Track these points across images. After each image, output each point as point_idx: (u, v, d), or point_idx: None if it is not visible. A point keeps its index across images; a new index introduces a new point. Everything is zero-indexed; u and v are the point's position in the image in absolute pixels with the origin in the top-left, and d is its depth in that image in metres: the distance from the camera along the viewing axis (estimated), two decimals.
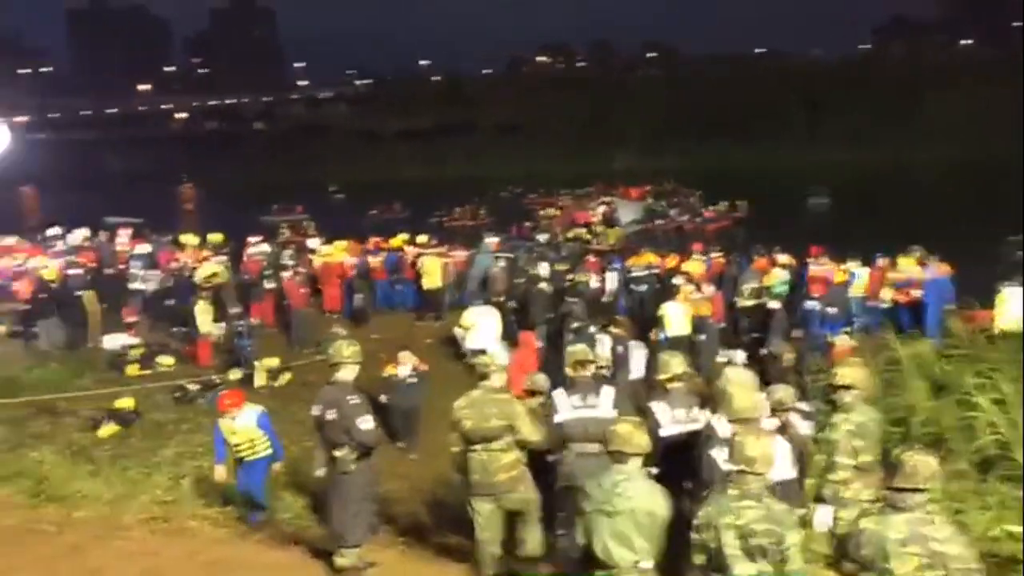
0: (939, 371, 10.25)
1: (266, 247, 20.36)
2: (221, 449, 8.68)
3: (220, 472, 8.73)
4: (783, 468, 5.67)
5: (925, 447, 4.79)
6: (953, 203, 38.92)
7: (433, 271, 18.29)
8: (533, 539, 6.71)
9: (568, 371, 7.21)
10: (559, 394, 6.82)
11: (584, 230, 32.01)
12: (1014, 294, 12.86)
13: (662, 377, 6.94)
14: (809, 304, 14.38)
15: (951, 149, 58.30)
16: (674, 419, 6.67)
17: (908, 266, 15.36)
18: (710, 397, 6.57)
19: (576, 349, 7.24)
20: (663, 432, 6.32)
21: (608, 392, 6.77)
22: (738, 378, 6.47)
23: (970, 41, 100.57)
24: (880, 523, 4.24)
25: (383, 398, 11.54)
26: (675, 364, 7.08)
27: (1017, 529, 6.87)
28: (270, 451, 8.65)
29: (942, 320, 14.08)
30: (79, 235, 20.82)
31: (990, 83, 65.43)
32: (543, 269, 17.65)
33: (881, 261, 16.02)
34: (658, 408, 6.65)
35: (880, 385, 9.28)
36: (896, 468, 4.28)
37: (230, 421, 8.53)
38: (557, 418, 6.63)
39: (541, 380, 7.79)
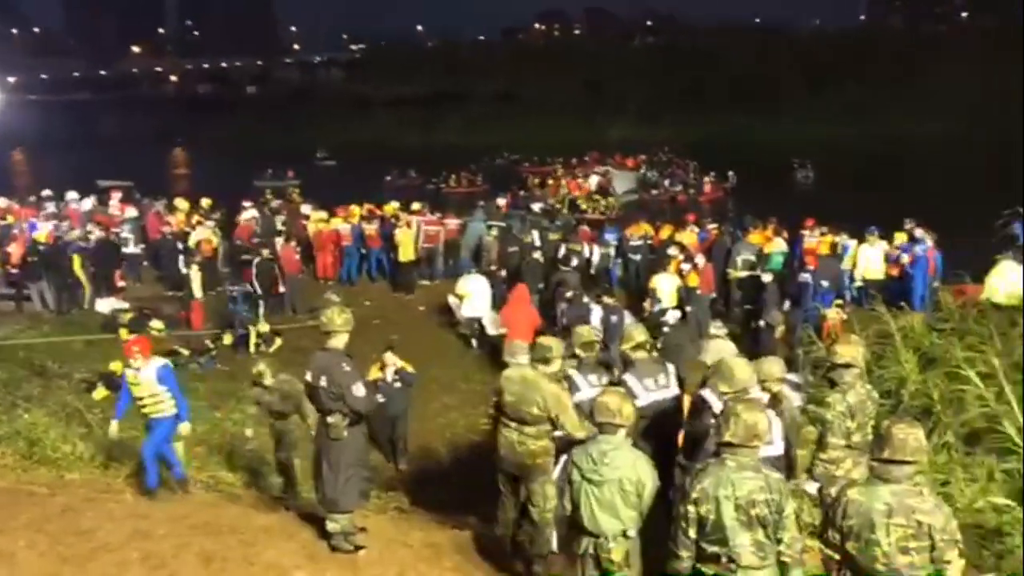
0: (929, 344, 10.30)
1: (255, 212, 20.28)
2: (124, 401, 8.17)
3: (113, 428, 8.31)
4: (774, 445, 5.71)
5: (913, 419, 4.82)
6: (948, 176, 38.86)
7: (407, 243, 18.14)
8: (541, 537, 6.59)
9: (579, 352, 7.26)
10: (631, 378, 6.76)
11: (579, 199, 31.90)
12: (1011, 267, 12.89)
13: (625, 347, 6.98)
14: (803, 276, 14.43)
15: (947, 121, 58.11)
16: (645, 388, 6.72)
17: (900, 240, 15.45)
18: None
19: (583, 330, 7.23)
20: (639, 403, 6.32)
21: (672, 370, 6.78)
22: (729, 350, 6.54)
23: (965, 14, 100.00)
24: (866, 494, 4.27)
25: None
26: (637, 333, 7.15)
27: (1002, 501, 6.94)
28: (175, 410, 8.08)
29: (931, 294, 14.18)
30: (72, 198, 20.75)
31: (988, 54, 65.08)
32: (536, 238, 17.66)
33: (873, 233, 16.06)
34: (629, 380, 6.68)
35: (871, 358, 9.31)
36: (883, 440, 4.30)
37: (134, 371, 7.99)
38: (637, 403, 6.23)
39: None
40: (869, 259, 15.21)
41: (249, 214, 19.99)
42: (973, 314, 10.96)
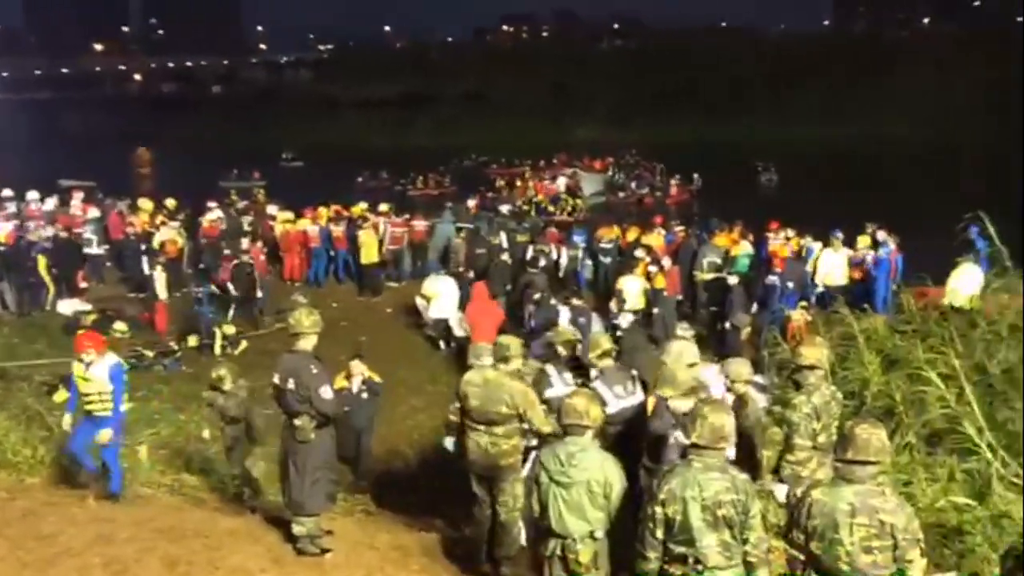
0: (891, 346, 10.43)
1: (220, 213, 20.11)
2: (75, 397, 7.88)
3: (66, 421, 7.95)
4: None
5: (876, 420, 4.88)
6: (911, 179, 39.45)
7: (370, 245, 18.08)
8: (509, 536, 6.60)
9: (561, 349, 7.30)
10: (600, 386, 6.68)
11: (543, 201, 31.97)
12: (970, 270, 13.11)
13: (592, 355, 7.01)
14: (771, 279, 14.55)
15: (910, 125, 58.98)
16: (616, 396, 6.74)
17: (864, 243, 15.64)
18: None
19: (601, 337, 7.21)
20: (609, 410, 6.33)
21: (636, 376, 6.79)
22: (690, 352, 6.61)
23: (927, 20, 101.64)
24: (830, 494, 4.32)
25: None
26: (604, 341, 7.19)
27: (963, 501, 7.05)
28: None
29: (893, 296, 14.38)
30: (32, 198, 20.41)
31: (950, 59, 66.14)
32: (504, 240, 17.67)
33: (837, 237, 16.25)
34: (599, 387, 6.70)
35: (835, 360, 9.42)
36: (847, 440, 4.35)
37: (84, 365, 7.64)
38: (607, 410, 6.27)
39: (531, 365, 7.61)
40: (831, 265, 15.25)
41: (215, 214, 19.80)
42: (934, 316, 11.12)
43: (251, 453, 8.53)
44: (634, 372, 7.01)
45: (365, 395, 9.73)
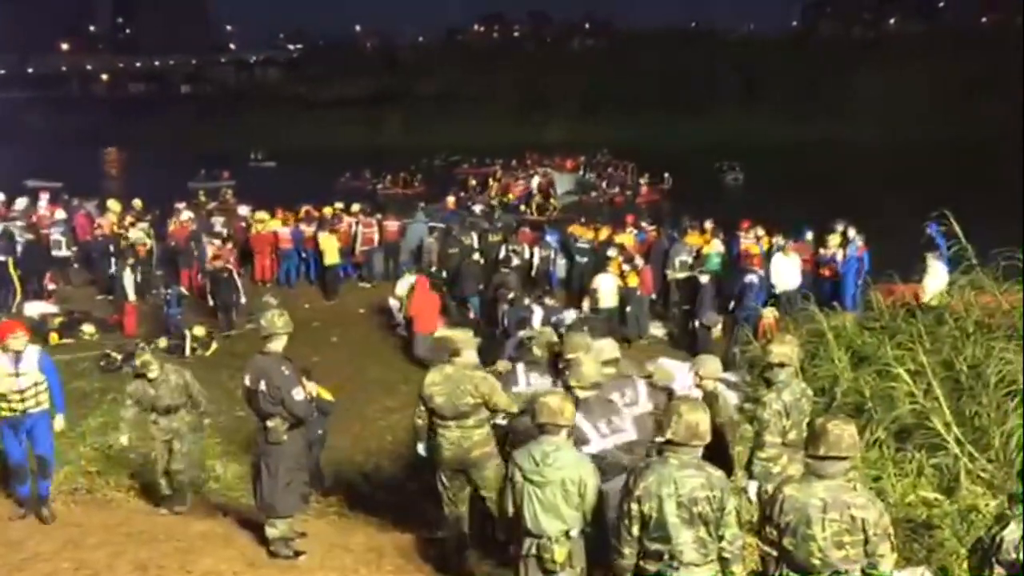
0: (860, 343, 10.52)
1: (191, 213, 19.92)
2: None
3: None
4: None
5: (846, 416, 4.93)
6: (876, 179, 39.95)
7: (331, 248, 18.00)
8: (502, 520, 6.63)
9: (537, 350, 7.26)
10: (581, 420, 6.54)
11: (507, 199, 31.99)
12: (939, 267, 13.29)
13: (570, 356, 7.01)
14: (748, 277, 14.60)
15: (877, 125, 59.70)
16: (599, 434, 6.70)
17: (833, 241, 15.75)
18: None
19: (546, 331, 7.16)
20: (589, 450, 6.28)
21: (643, 387, 6.52)
22: (609, 349, 6.70)
23: (892, 21, 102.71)
24: (801, 490, 4.37)
25: None
26: (607, 350, 7.18)
27: (931, 495, 7.15)
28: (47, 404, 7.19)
29: (861, 293, 14.52)
30: None
31: (915, 60, 67.02)
32: (476, 240, 17.66)
33: (808, 235, 16.40)
34: (580, 423, 6.66)
35: (804, 357, 9.50)
36: (817, 436, 4.40)
37: (10, 355, 6.98)
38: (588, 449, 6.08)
39: (503, 365, 7.64)
40: (782, 269, 15.00)
41: (185, 215, 19.62)
42: (902, 313, 11.23)
43: (183, 440, 8.04)
44: (624, 403, 6.55)
45: (314, 414, 9.57)
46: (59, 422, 7.34)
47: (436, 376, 6.58)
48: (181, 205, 20.48)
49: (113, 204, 20.31)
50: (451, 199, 22.79)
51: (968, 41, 70.23)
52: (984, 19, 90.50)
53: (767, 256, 15.79)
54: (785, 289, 14.74)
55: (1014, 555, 4.38)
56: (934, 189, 21.31)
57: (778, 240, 16.29)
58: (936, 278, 12.89)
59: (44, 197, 20.41)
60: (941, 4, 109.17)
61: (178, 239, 18.50)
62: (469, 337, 6.91)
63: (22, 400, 7.02)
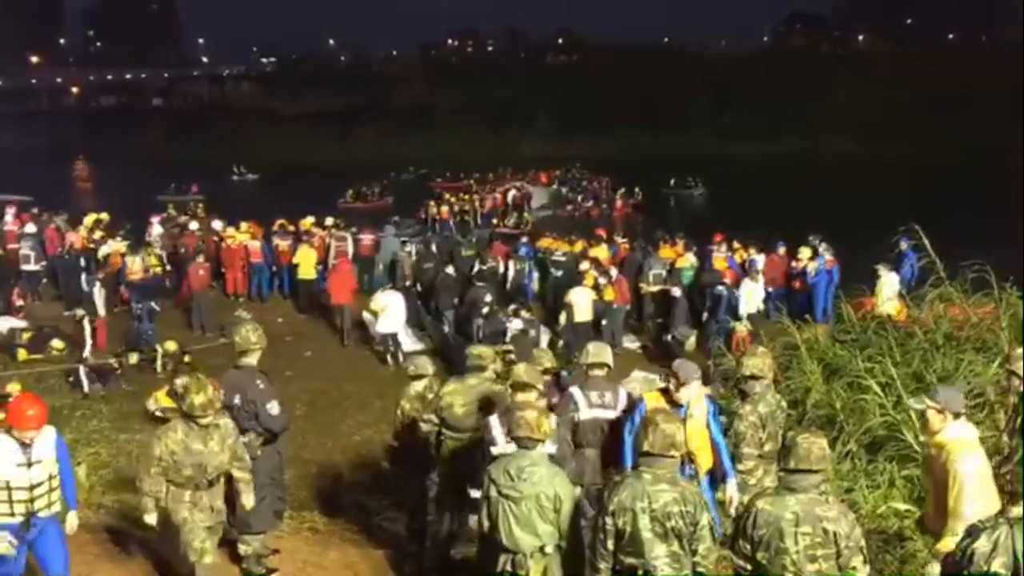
0: (832, 355, 10.62)
1: (160, 228, 19.79)
2: None
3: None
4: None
5: (817, 429, 4.96)
6: (847, 193, 40.42)
7: (307, 262, 17.93)
8: None
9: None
10: (576, 391, 6.45)
11: (469, 213, 32.00)
12: (888, 278, 13.58)
13: (546, 366, 7.04)
14: (719, 290, 14.70)
15: (848, 140, 60.50)
16: (589, 402, 6.74)
17: (805, 254, 15.95)
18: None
19: (599, 349, 6.74)
20: (580, 416, 6.32)
21: (622, 393, 6.49)
22: (547, 359, 6.91)
23: (860, 37, 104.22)
24: (774, 503, 4.37)
25: None
26: (546, 359, 7.23)
27: (903, 507, 7.20)
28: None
29: (832, 306, 14.68)
30: None
31: (884, 76, 67.95)
32: (450, 254, 17.66)
33: (781, 249, 16.56)
34: (575, 392, 6.69)
35: (778, 369, 9.57)
36: (789, 450, 4.42)
37: (18, 449, 5.23)
38: (577, 416, 6.25)
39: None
40: (753, 295, 14.88)
41: (159, 230, 19.48)
42: (873, 326, 11.35)
43: None
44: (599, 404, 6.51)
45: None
46: (72, 522, 5.69)
47: (457, 386, 6.60)
48: (155, 219, 20.35)
49: (87, 219, 20.10)
50: (444, 208, 22.73)
51: (936, 56, 71.41)
52: (951, 36, 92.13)
53: (741, 268, 15.94)
54: (750, 312, 14.81)
55: (985, 567, 4.41)
56: (904, 203, 21.62)
57: (752, 253, 16.45)
58: (888, 287, 13.20)
59: (10, 211, 20.18)
60: (908, 21, 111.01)
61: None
62: (492, 353, 7.00)
63: (31, 499, 5.27)
